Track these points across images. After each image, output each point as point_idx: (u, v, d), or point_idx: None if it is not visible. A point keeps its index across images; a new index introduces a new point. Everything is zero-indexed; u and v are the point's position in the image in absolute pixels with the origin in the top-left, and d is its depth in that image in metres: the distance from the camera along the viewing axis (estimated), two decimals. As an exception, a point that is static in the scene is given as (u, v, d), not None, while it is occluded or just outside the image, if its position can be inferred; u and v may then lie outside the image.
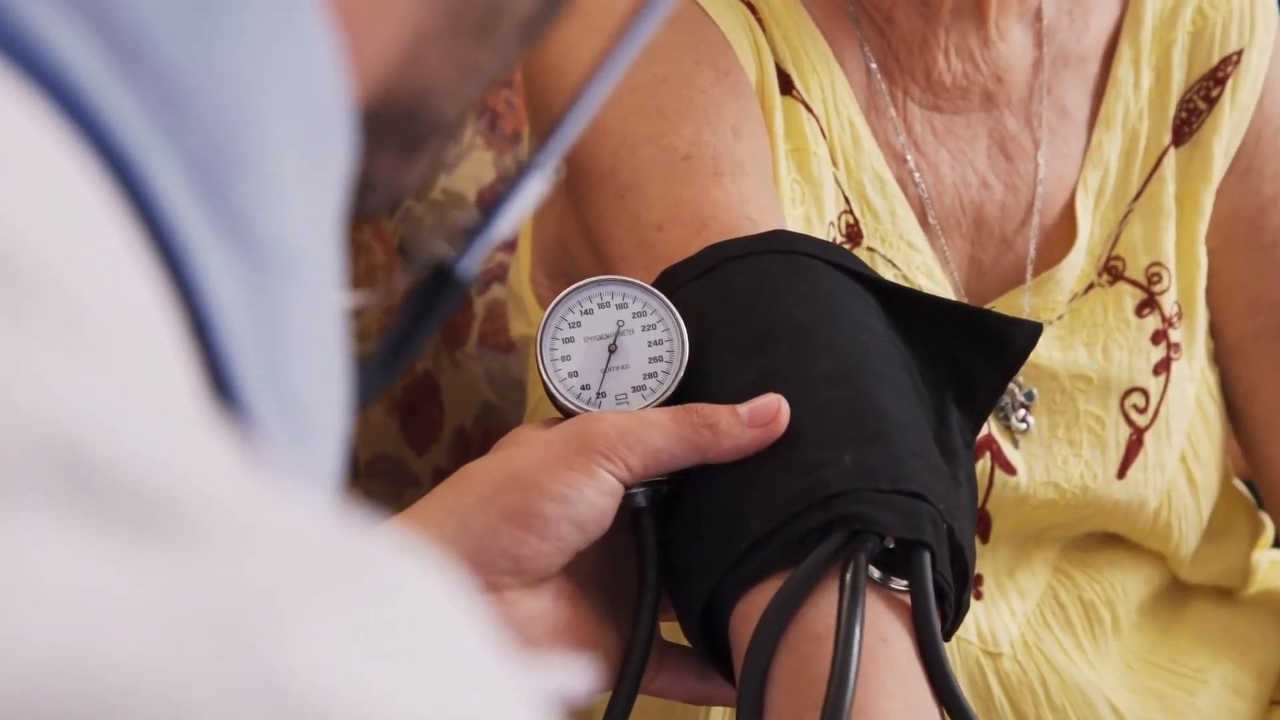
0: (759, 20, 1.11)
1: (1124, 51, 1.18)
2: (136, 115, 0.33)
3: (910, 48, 1.13)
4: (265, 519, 0.28)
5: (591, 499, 0.80)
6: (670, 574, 0.85)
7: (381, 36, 0.42)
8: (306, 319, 0.37)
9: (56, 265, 0.29)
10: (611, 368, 0.88)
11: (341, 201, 0.40)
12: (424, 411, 1.45)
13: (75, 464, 0.27)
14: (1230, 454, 1.27)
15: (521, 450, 0.82)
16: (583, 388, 0.87)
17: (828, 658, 0.75)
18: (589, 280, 0.89)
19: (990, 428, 1.14)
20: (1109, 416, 1.18)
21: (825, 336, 0.87)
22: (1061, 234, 1.18)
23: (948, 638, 0.82)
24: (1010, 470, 1.15)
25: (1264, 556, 1.31)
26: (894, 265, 1.12)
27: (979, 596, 1.16)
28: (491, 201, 0.52)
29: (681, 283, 0.91)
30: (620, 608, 0.87)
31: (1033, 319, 1.11)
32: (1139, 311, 1.19)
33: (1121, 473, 1.18)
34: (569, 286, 0.89)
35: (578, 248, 1.09)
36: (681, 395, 0.87)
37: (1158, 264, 1.19)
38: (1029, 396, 1.17)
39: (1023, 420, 1.16)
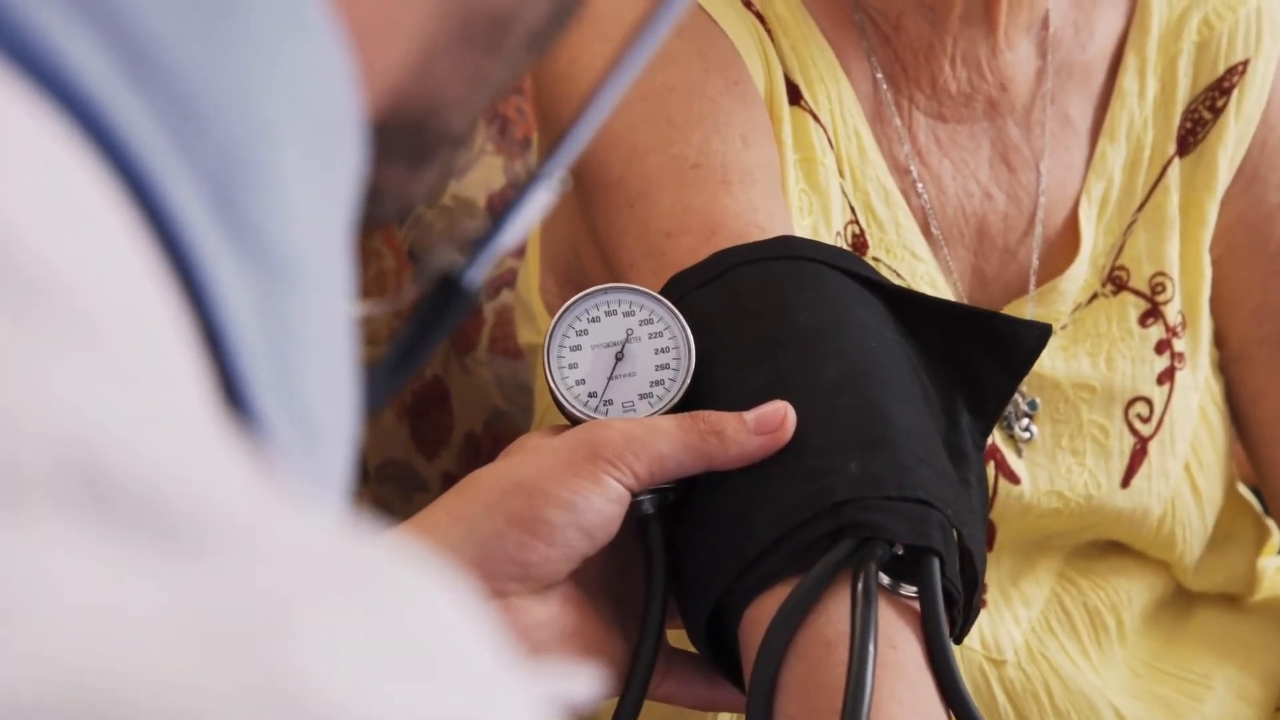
0: (768, 30, 1.11)
1: (1129, 61, 1.18)
2: (149, 126, 0.33)
3: (916, 55, 1.13)
4: (277, 528, 0.29)
5: (598, 506, 0.80)
6: (677, 580, 0.85)
7: (391, 48, 0.42)
8: (316, 328, 0.37)
9: (69, 275, 0.29)
10: (618, 375, 0.88)
11: (351, 211, 0.40)
12: (433, 417, 1.45)
13: (92, 476, 0.27)
14: (1235, 460, 1.27)
15: (528, 457, 0.82)
16: (590, 395, 0.88)
17: (837, 664, 0.75)
18: (596, 288, 0.89)
19: (994, 437, 1.14)
20: (1113, 426, 1.18)
21: (832, 343, 0.87)
22: (1064, 244, 1.18)
23: (958, 642, 0.82)
24: (1014, 479, 1.15)
25: (1270, 563, 1.31)
26: (898, 275, 1.12)
27: (983, 604, 1.17)
28: (500, 210, 0.52)
29: (689, 289, 0.91)
30: (627, 614, 0.87)
31: None
32: (1143, 321, 1.19)
33: (1125, 482, 1.18)
34: (576, 295, 0.89)
35: (588, 255, 1.09)
36: (689, 402, 0.87)
37: (1161, 274, 1.19)
38: (1032, 406, 1.17)
39: (1026, 429, 1.16)
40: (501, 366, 1.49)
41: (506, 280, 1.48)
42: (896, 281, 1.11)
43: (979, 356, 0.91)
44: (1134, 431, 1.18)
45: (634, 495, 0.82)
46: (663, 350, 0.88)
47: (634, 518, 0.84)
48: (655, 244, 0.98)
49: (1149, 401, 1.19)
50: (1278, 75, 1.21)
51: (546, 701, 0.32)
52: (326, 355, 0.38)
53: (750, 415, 0.83)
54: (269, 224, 0.36)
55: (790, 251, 0.92)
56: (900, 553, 0.79)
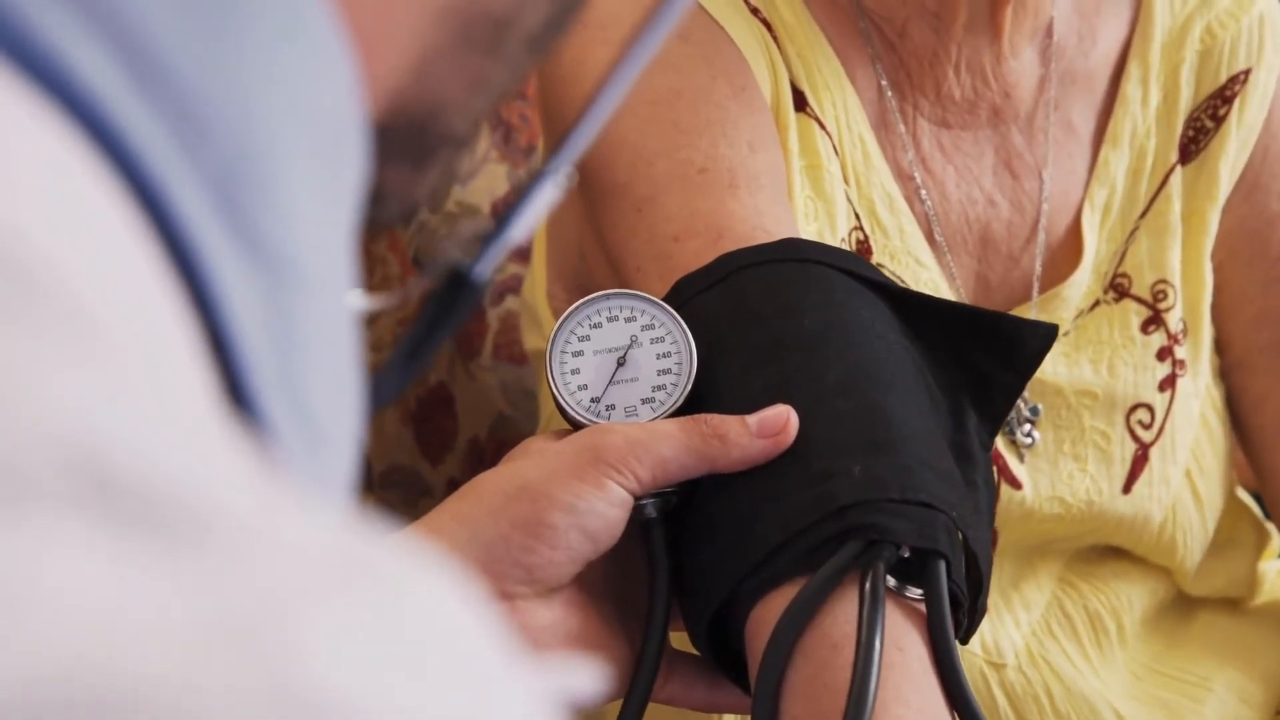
0: (774, 37, 1.11)
1: (1132, 69, 1.19)
2: (153, 129, 0.33)
3: (921, 62, 1.14)
4: (280, 527, 0.29)
5: (601, 510, 0.81)
6: (679, 583, 0.85)
7: (392, 50, 0.42)
8: (321, 331, 0.38)
9: (72, 276, 0.29)
10: (621, 380, 0.88)
11: (355, 213, 0.40)
12: (438, 422, 1.46)
13: (95, 476, 0.27)
14: (1236, 465, 1.27)
15: (532, 461, 0.83)
16: (592, 400, 0.88)
17: (843, 665, 0.75)
18: (598, 294, 0.89)
19: (996, 442, 1.15)
20: (1114, 432, 1.18)
21: (836, 345, 0.87)
22: (1067, 251, 1.18)
23: (964, 642, 0.83)
24: (1016, 485, 1.16)
25: (1270, 566, 1.31)
26: (902, 281, 1.12)
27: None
28: (505, 209, 0.52)
29: (695, 293, 0.92)
30: (631, 617, 0.87)
31: None
32: (1144, 328, 1.19)
33: (1127, 488, 1.18)
34: (578, 301, 0.90)
35: (594, 260, 1.10)
36: (693, 405, 0.87)
37: (1163, 281, 1.19)
38: (1035, 411, 1.17)
39: (1028, 435, 1.17)
40: (506, 372, 1.49)
41: (511, 286, 1.48)
42: (900, 288, 1.11)
43: (985, 357, 0.91)
44: (1135, 438, 1.19)
45: (637, 499, 0.83)
46: (664, 355, 0.88)
47: (637, 521, 0.84)
48: (662, 248, 0.98)
49: (1150, 408, 1.19)
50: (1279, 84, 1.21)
51: (550, 699, 0.32)
52: (330, 357, 0.38)
53: (753, 419, 0.83)
54: (273, 226, 0.36)
55: (796, 254, 0.92)
56: (906, 555, 0.79)
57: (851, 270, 0.92)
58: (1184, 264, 1.20)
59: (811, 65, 1.12)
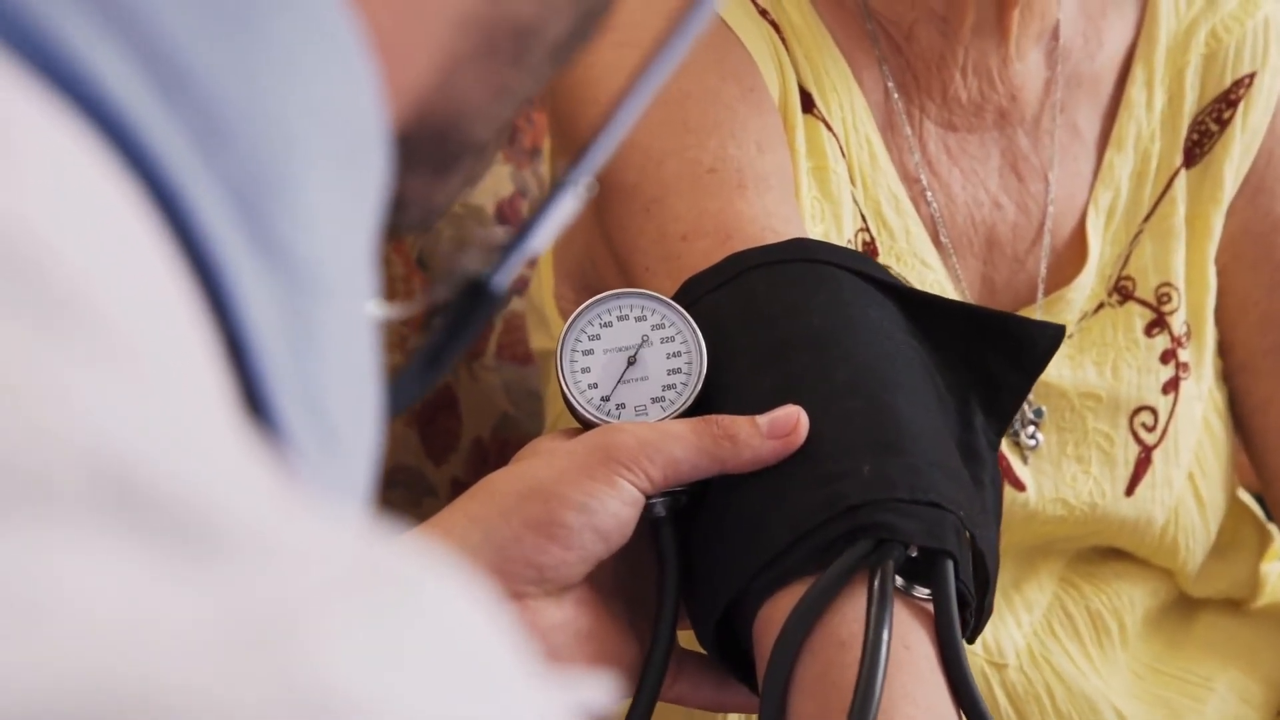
0: (782, 39, 1.11)
1: (1137, 73, 1.19)
2: (174, 137, 0.33)
3: (928, 65, 1.14)
4: (299, 535, 0.29)
5: (613, 509, 0.81)
6: (688, 583, 0.86)
7: (415, 58, 0.42)
8: (340, 339, 0.38)
9: (93, 284, 0.30)
10: (631, 379, 0.88)
11: (376, 220, 0.40)
12: (442, 422, 1.46)
13: (116, 486, 0.27)
14: (1238, 467, 1.27)
15: (543, 461, 0.83)
16: (602, 399, 0.88)
17: (852, 663, 0.75)
18: (607, 294, 0.89)
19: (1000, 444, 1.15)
20: (1118, 435, 1.18)
21: (845, 346, 0.87)
22: (1072, 254, 1.18)
23: (971, 641, 0.83)
24: (1019, 486, 1.16)
25: (1272, 568, 1.31)
26: (907, 283, 1.12)
27: (991, 605, 1.17)
28: (524, 217, 0.52)
29: (703, 293, 0.92)
30: (640, 616, 0.87)
31: None
32: (1148, 331, 1.19)
33: (1130, 490, 1.18)
34: (588, 300, 0.90)
35: (602, 260, 1.09)
36: (702, 405, 0.87)
37: (1167, 284, 1.19)
38: (1038, 414, 1.17)
39: (1032, 437, 1.17)
40: (509, 373, 1.49)
41: (515, 287, 1.48)
42: (906, 289, 1.12)
43: (993, 357, 0.91)
44: (1139, 440, 1.19)
45: (647, 498, 0.83)
46: (674, 355, 0.88)
47: (647, 520, 0.84)
48: (671, 248, 0.98)
49: (1154, 411, 1.19)
50: (1284, 88, 1.21)
51: (564, 705, 0.32)
52: (349, 364, 0.38)
53: (763, 419, 0.83)
54: (293, 234, 0.36)
55: (804, 254, 0.92)
56: (914, 555, 0.79)
57: (860, 270, 0.92)
58: (1188, 267, 1.20)
59: (819, 67, 1.12)
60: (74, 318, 0.29)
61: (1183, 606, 1.27)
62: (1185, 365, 1.20)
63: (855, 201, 1.12)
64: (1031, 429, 1.17)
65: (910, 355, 0.89)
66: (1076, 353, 1.18)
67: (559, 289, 1.20)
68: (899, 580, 0.79)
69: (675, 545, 0.85)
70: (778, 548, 0.80)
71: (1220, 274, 1.22)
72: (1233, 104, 1.20)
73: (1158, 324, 1.19)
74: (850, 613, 0.78)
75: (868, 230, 1.13)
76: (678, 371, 0.88)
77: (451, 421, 1.46)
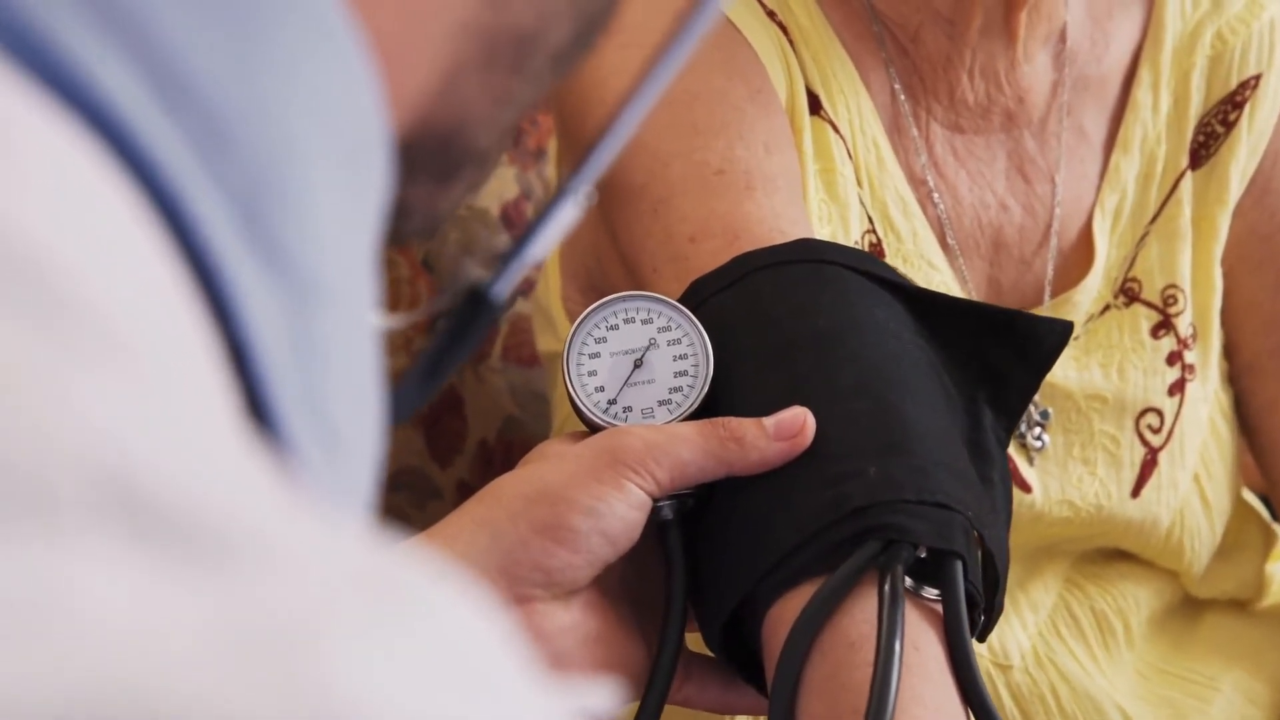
0: (790, 41, 1.11)
1: (1143, 75, 1.19)
2: (177, 145, 0.34)
3: (935, 67, 1.14)
4: (304, 543, 0.29)
5: (620, 512, 0.81)
6: (695, 585, 0.86)
7: (417, 66, 0.42)
8: (342, 346, 0.38)
9: (96, 290, 0.30)
10: (637, 382, 0.88)
11: (378, 228, 0.40)
12: (447, 424, 1.46)
13: (121, 493, 0.27)
14: (1243, 468, 1.27)
15: (551, 464, 0.83)
16: (609, 402, 0.88)
17: (860, 664, 0.76)
18: (614, 296, 0.89)
19: (1005, 445, 1.15)
20: (1124, 436, 1.18)
21: (851, 346, 0.87)
22: (1079, 256, 1.18)
23: (981, 640, 0.83)
24: (1025, 488, 1.16)
25: (1278, 569, 1.31)
26: None
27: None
28: (525, 224, 0.52)
29: (710, 294, 0.92)
30: (647, 618, 0.87)
31: None
32: (1154, 333, 1.19)
33: (1136, 492, 1.18)
34: (594, 303, 0.90)
35: (610, 262, 1.10)
36: (709, 407, 0.87)
37: (1173, 286, 1.19)
38: (1045, 415, 1.17)
39: (1038, 439, 1.17)
40: (515, 375, 1.49)
41: (521, 289, 1.48)
42: (913, 291, 1.11)
43: (1001, 354, 0.91)
44: (1145, 442, 1.19)
45: (654, 502, 0.83)
46: (681, 357, 0.88)
47: (654, 523, 0.84)
48: (679, 249, 0.98)
49: (1160, 412, 1.19)
50: (1290, 90, 1.21)
51: (569, 712, 0.32)
52: (352, 371, 0.38)
53: (770, 421, 0.83)
54: (296, 242, 0.36)
55: (811, 254, 0.92)
56: (922, 555, 0.79)
57: (866, 270, 0.92)
58: (1194, 269, 1.20)
59: (826, 69, 1.12)
60: (75, 321, 0.29)
61: (1188, 607, 1.28)
62: (1191, 367, 1.20)
63: (862, 203, 1.12)
64: (1038, 430, 1.17)
65: (917, 355, 0.89)
66: (1083, 354, 1.18)
67: (566, 291, 1.20)
68: (908, 581, 0.79)
69: (682, 548, 0.85)
70: (785, 549, 0.80)
71: (1226, 275, 1.22)
72: (1239, 106, 1.20)
73: (1164, 326, 1.19)
74: (859, 614, 0.78)
75: (874, 232, 1.13)
76: (684, 374, 0.88)
77: (457, 423, 1.46)
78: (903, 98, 1.15)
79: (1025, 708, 1.18)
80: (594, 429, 0.88)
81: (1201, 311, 1.21)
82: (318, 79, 0.37)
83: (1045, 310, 1.17)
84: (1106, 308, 1.19)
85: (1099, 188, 1.19)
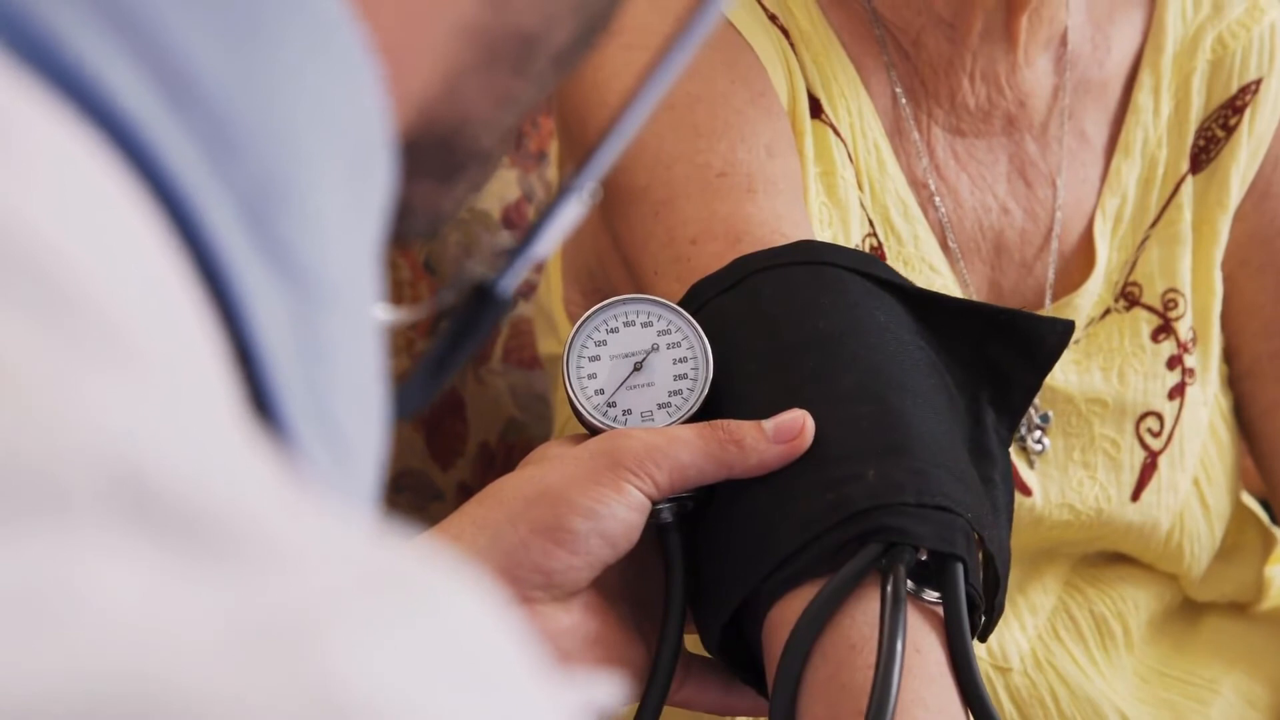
0: (791, 44, 1.11)
1: (1144, 79, 1.19)
2: (184, 146, 0.34)
3: (936, 71, 1.14)
4: (312, 539, 0.29)
5: (620, 514, 0.81)
6: (694, 587, 0.85)
7: (420, 67, 0.42)
8: (347, 347, 0.38)
9: (102, 289, 0.30)
10: (637, 385, 0.88)
11: (382, 228, 0.41)
12: (449, 426, 1.46)
13: (131, 489, 0.27)
14: (1242, 471, 1.27)
15: (551, 466, 0.83)
16: (609, 405, 0.88)
17: (862, 665, 0.76)
18: (614, 299, 0.89)
19: (1006, 448, 1.15)
20: (1124, 440, 1.18)
21: (850, 349, 0.87)
22: (1080, 259, 1.19)
23: (982, 640, 0.83)
24: (1026, 491, 1.16)
25: (1277, 572, 1.31)
26: None
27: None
28: (530, 222, 0.53)
29: (710, 296, 0.92)
30: (647, 620, 0.87)
31: None
32: (1155, 337, 1.19)
33: (1135, 495, 1.19)
34: (594, 306, 0.90)
35: (611, 264, 1.10)
36: (709, 409, 0.87)
37: (1174, 290, 1.19)
38: (1045, 419, 1.17)
39: (1039, 442, 1.17)
40: (516, 377, 1.49)
41: (522, 292, 1.48)
42: (914, 293, 1.11)
43: (1003, 354, 0.91)
44: (1144, 446, 1.19)
45: (654, 504, 0.83)
46: (680, 360, 0.88)
47: (653, 526, 0.84)
48: (680, 251, 0.98)
49: (1160, 416, 1.19)
50: (1291, 94, 1.21)
51: (576, 708, 0.32)
52: (356, 372, 0.38)
53: (769, 424, 0.83)
54: (301, 243, 0.36)
55: (811, 256, 0.92)
56: (923, 558, 0.79)
57: (867, 271, 0.92)
58: (1194, 273, 1.20)
59: (827, 72, 1.12)
60: (84, 320, 0.29)
61: (1187, 610, 1.28)
62: (1191, 371, 1.20)
63: (863, 207, 1.12)
64: (1038, 434, 1.17)
65: (918, 356, 0.89)
66: (1083, 358, 1.18)
67: (567, 293, 1.20)
68: (908, 584, 0.79)
69: (682, 551, 0.85)
70: (786, 551, 0.80)
71: (1227, 280, 1.22)
72: (1239, 110, 1.20)
73: (1164, 330, 1.19)
74: (860, 616, 0.78)
75: (875, 235, 1.13)
76: (684, 377, 0.88)
77: (458, 426, 1.46)
78: (904, 101, 1.15)
79: (1025, 710, 1.18)
80: (594, 431, 0.88)
81: (1202, 315, 1.21)
82: (322, 80, 0.37)
83: (1046, 313, 1.17)
84: (1107, 311, 1.19)
85: (1100, 191, 1.19)
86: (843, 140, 1.12)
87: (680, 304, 0.91)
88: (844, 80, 1.13)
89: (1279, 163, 1.22)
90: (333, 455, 0.37)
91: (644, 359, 0.88)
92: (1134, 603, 1.23)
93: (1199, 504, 1.22)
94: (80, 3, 0.33)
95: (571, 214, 0.52)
